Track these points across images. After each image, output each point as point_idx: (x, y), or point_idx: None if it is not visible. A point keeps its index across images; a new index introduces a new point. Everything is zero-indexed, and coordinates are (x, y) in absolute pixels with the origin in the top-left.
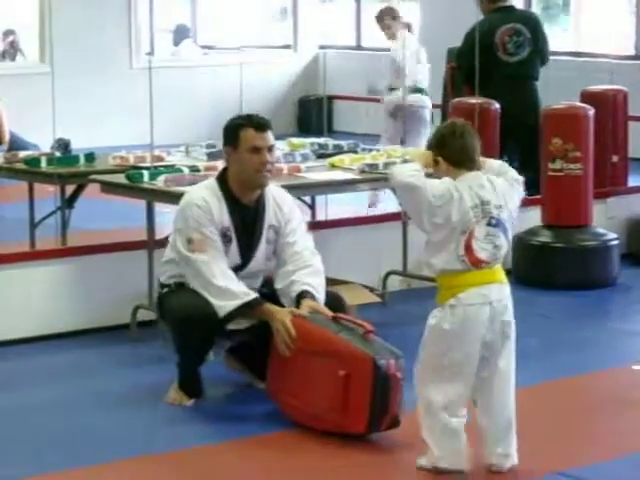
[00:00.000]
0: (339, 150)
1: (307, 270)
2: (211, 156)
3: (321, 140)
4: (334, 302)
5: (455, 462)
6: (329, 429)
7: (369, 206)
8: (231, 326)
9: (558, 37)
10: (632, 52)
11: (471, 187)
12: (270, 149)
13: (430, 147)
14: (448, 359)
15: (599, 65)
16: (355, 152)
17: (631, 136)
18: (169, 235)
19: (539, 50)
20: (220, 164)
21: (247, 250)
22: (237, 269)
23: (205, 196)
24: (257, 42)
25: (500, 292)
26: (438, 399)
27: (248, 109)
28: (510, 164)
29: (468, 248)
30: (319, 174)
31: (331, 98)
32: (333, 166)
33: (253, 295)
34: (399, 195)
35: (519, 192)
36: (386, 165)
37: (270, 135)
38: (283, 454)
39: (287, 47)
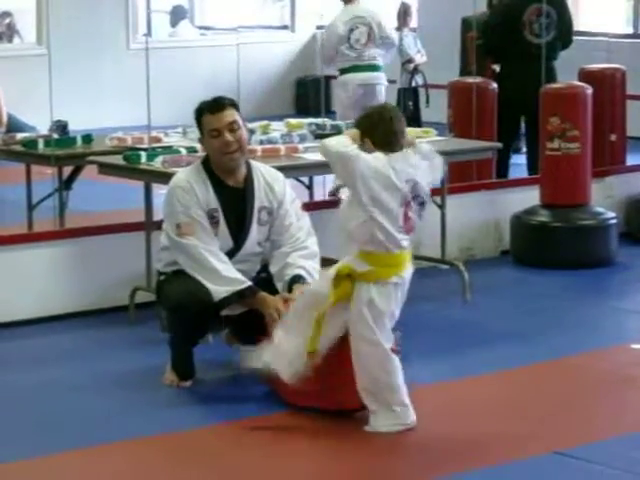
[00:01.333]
0: (337, 130)
1: (302, 252)
2: None
3: (319, 120)
4: None
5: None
6: (326, 407)
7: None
8: (224, 312)
9: None
10: (630, 31)
11: (402, 165)
12: (231, 128)
13: (358, 127)
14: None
15: (597, 44)
16: None
17: (629, 115)
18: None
19: (564, 33)
20: None
21: (239, 232)
22: (231, 253)
23: (189, 178)
24: (254, 23)
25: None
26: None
27: (245, 90)
28: (510, 145)
29: (406, 226)
30: (317, 154)
31: (328, 78)
32: None
33: (247, 283)
34: (333, 166)
35: (435, 179)
36: None
37: (227, 113)
38: (280, 435)
39: (285, 27)
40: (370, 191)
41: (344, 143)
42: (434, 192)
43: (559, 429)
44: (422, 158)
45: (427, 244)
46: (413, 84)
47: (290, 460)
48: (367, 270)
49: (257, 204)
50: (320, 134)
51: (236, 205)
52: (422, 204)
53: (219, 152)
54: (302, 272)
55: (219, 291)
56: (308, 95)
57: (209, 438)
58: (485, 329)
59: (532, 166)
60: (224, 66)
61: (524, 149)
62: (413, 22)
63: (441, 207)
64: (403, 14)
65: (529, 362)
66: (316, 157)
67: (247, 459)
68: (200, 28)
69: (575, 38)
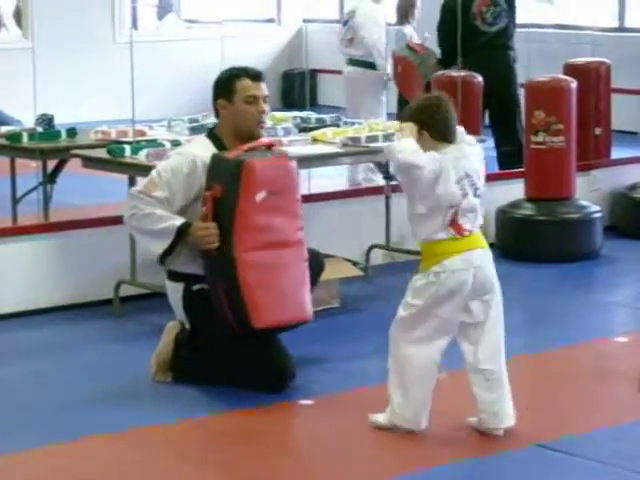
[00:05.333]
0: (321, 124)
1: None
2: (193, 130)
3: (303, 114)
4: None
5: (415, 421)
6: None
7: None
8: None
9: (542, 9)
10: (615, 24)
11: (457, 159)
12: (265, 100)
13: (412, 120)
14: (429, 320)
15: (582, 37)
16: (337, 125)
17: (614, 108)
18: None
19: (514, 20)
20: None
21: None
22: None
23: (202, 155)
24: (241, 16)
25: (483, 257)
26: (413, 355)
27: None
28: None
29: (454, 220)
30: (301, 148)
31: (315, 71)
32: (315, 140)
33: (174, 229)
34: (397, 171)
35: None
36: (369, 138)
37: (264, 85)
38: (261, 430)
39: (271, 21)
40: (425, 190)
41: (412, 149)
42: None
43: (542, 422)
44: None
45: (412, 237)
46: None
47: (270, 456)
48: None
49: None
50: (304, 127)
51: None
52: (480, 195)
53: (252, 119)
54: None
55: (157, 248)
56: (294, 88)
57: (192, 432)
58: None
59: (503, 160)
60: (210, 59)
61: None
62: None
63: None
64: (405, 6)
65: (512, 355)
66: (300, 150)
67: (235, 450)
68: (187, 21)
69: (560, 31)
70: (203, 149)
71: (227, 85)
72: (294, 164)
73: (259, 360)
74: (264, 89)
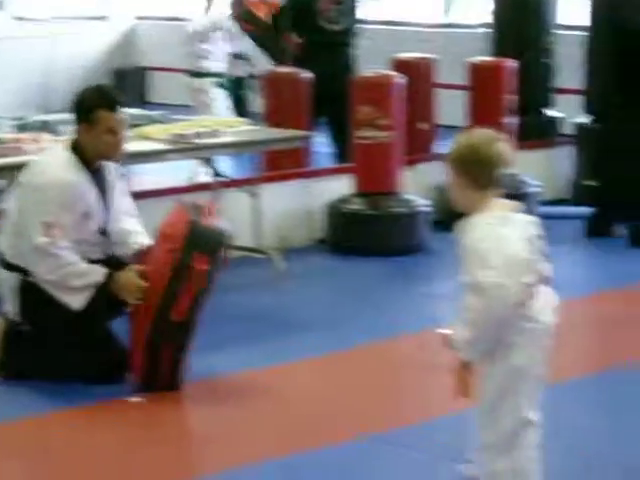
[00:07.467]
0: (149, 120)
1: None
2: (20, 128)
3: (132, 111)
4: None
5: None
6: None
7: None
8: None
9: (370, 5)
10: (442, 20)
11: None
12: (123, 123)
13: None
14: None
15: (409, 34)
16: (164, 122)
17: (440, 104)
18: None
19: (357, 19)
20: (28, 136)
21: (107, 213)
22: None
23: (70, 176)
24: (71, 13)
25: None
26: None
27: (60, 81)
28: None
29: None
30: (128, 144)
31: (146, 69)
32: (142, 136)
33: (99, 276)
34: None
35: None
36: (197, 135)
37: (121, 111)
38: (104, 421)
39: (102, 18)
40: None
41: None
42: (248, 182)
43: (368, 414)
44: None
45: (242, 234)
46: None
47: (111, 451)
48: None
49: (112, 179)
50: (132, 124)
51: (101, 187)
52: None
53: (112, 148)
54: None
55: (79, 299)
56: (125, 86)
57: (28, 431)
58: (298, 317)
59: (341, 154)
60: (39, 57)
61: None
62: None
63: (256, 196)
64: None
65: (339, 348)
66: (128, 147)
67: (69, 451)
68: (15, 18)
69: (387, 28)
70: (66, 169)
71: (88, 114)
72: None
73: (94, 349)
74: (122, 117)
